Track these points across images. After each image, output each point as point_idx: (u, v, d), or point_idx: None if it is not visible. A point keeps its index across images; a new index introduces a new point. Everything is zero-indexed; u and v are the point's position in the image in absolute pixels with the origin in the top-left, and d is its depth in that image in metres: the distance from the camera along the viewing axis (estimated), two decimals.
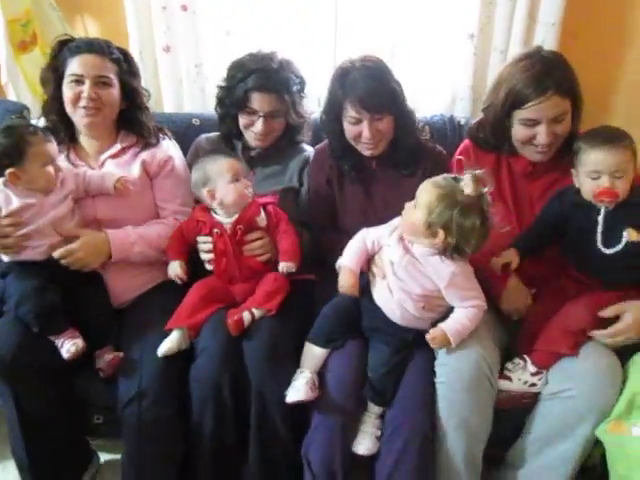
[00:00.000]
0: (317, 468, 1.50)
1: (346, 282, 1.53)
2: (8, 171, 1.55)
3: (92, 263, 1.65)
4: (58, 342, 1.56)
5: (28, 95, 2.33)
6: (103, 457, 1.86)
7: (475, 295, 1.50)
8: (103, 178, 1.71)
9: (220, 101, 1.94)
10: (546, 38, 2.16)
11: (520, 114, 1.62)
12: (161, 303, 1.69)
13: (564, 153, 1.67)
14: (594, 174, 1.49)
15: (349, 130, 1.74)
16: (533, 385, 1.53)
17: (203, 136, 2.04)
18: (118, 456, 1.65)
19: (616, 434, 1.42)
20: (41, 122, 1.85)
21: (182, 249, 1.72)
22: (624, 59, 2.26)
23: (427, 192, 1.43)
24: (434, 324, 1.54)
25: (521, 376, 1.54)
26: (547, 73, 1.57)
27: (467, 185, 1.39)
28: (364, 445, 1.54)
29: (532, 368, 1.54)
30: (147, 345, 1.59)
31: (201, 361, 1.58)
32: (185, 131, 2.13)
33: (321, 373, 1.57)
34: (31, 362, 1.55)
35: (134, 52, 2.28)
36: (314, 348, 1.59)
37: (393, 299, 1.53)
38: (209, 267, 1.74)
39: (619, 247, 1.50)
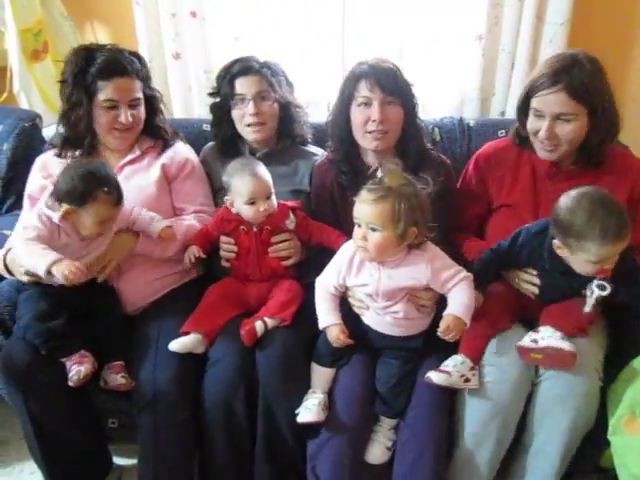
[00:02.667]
0: None
1: (338, 338, 1.49)
2: (64, 207, 1.53)
3: (119, 259, 1.67)
4: (67, 365, 1.54)
5: (40, 103, 2.36)
6: (120, 462, 1.87)
7: (457, 270, 1.47)
8: (150, 224, 1.68)
9: (213, 108, 1.96)
10: (554, 39, 2.17)
11: (532, 103, 1.63)
12: (175, 308, 1.70)
13: (590, 162, 1.65)
14: (597, 263, 1.42)
15: (358, 115, 1.69)
16: (467, 380, 1.48)
17: (209, 144, 2.05)
18: (134, 461, 1.66)
19: (630, 433, 1.42)
20: (53, 130, 1.87)
21: (203, 243, 1.73)
22: (633, 59, 2.26)
23: (377, 210, 1.39)
24: (434, 321, 1.54)
25: (460, 370, 1.48)
26: (565, 70, 1.55)
27: (391, 179, 1.40)
28: (376, 455, 1.56)
29: (469, 363, 1.50)
30: (161, 350, 1.59)
31: (215, 372, 1.58)
32: (196, 137, 2.14)
33: (329, 389, 1.57)
34: (44, 372, 1.55)
35: None
36: (320, 368, 1.58)
37: (385, 319, 1.52)
38: (226, 264, 1.75)
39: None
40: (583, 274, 1.46)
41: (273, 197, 1.69)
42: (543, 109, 1.59)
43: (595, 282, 1.45)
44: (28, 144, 2.13)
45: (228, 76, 1.86)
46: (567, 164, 1.69)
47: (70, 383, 1.51)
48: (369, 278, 1.48)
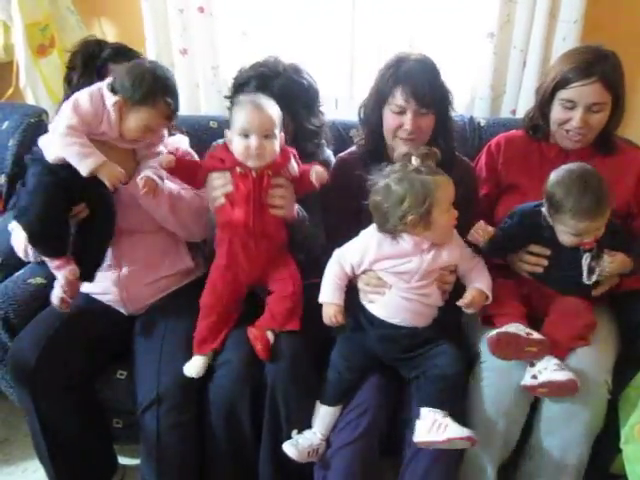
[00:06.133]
0: None
1: (333, 318, 1.48)
2: (119, 97, 1.47)
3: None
4: (55, 268, 1.49)
5: (46, 99, 2.34)
6: (124, 462, 1.85)
7: (471, 251, 1.55)
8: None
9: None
10: (567, 36, 2.13)
11: (562, 94, 1.67)
12: (178, 309, 1.67)
13: (599, 147, 1.73)
14: (577, 234, 1.49)
15: (390, 120, 1.65)
16: (529, 333, 1.46)
17: (221, 140, 2.00)
18: (138, 461, 1.65)
19: None
20: None
21: (186, 167, 1.55)
22: None
23: (449, 188, 1.44)
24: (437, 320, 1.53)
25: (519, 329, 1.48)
26: (596, 62, 1.62)
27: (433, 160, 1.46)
28: None
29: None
30: (165, 351, 1.58)
31: (221, 375, 1.55)
32: (202, 134, 2.11)
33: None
34: (52, 371, 1.54)
35: (151, 55, 2.29)
36: (325, 408, 1.53)
37: (411, 304, 1.48)
38: (220, 203, 1.53)
39: (595, 276, 1.53)
40: (567, 245, 1.52)
41: (275, 141, 1.50)
42: (577, 100, 1.64)
43: (583, 255, 1.52)
44: (34, 140, 2.09)
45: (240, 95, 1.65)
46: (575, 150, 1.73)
47: (62, 282, 1.48)
48: (414, 257, 1.46)
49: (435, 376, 1.45)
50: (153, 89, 1.48)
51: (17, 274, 1.79)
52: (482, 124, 2.14)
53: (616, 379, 1.50)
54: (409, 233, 1.44)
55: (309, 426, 1.53)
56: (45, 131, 2.12)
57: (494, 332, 1.45)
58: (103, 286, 1.67)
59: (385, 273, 1.49)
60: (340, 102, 2.47)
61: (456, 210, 1.47)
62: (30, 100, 2.34)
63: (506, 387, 1.48)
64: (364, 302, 1.54)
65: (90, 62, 1.70)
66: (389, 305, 1.50)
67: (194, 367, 1.53)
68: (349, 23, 2.34)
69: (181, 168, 1.53)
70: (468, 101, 2.35)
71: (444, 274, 1.50)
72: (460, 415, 1.46)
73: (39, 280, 1.76)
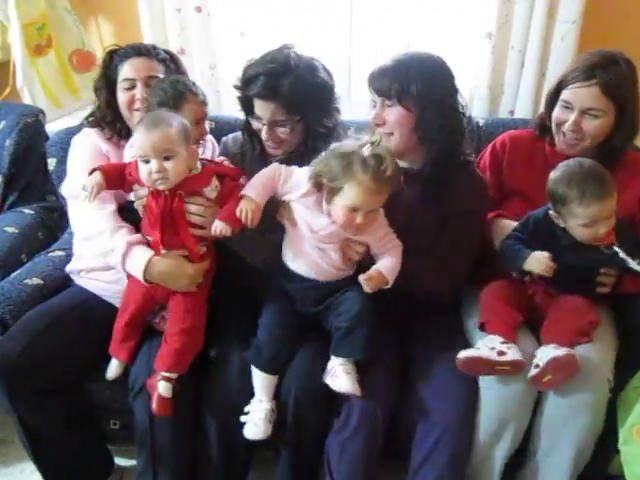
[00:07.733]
0: None
1: (248, 210, 1.39)
2: None
3: None
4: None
5: (43, 99, 2.33)
6: (121, 463, 1.85)
7: (394, 236, 1.49)
8: None
9: (239, 100, 1.78)
10: (566, 37, 2.12)
11: (562, 94, 1.65)
12: None
13: (604, 161, 1.60)
14: (590, 224, 1.47)
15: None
16: (502, 354, 1.43)
17: (230, 136, 1.91)
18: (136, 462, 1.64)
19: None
20: (56, 126, 1.85)
21: (115, 175, 1.50)
22: None
23: (372, 195, 1.38)
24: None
25: (488, 344, 1.46)
26: (601, 66, 1.58)
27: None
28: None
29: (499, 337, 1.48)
30: (155, 340, 1.56)
31: (220, 379, 1.54)
32: None
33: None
34: (35, 368, 1.51)
35: None
36: (264, 375, 1.46)
37: (314, 255, 1.46)
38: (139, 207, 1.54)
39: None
40: (586, 242, 1.50)
41: (178, 160, 1.41)
42: (573, 101, 1.61)
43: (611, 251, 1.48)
44: (31, 140, 2.12)
45: (247, 90, 1.63)
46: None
47: None
48: (325, 220, 1.43)
49: (343, 326, 1.45)
50: (177, 89, 1.61)
51: (14, 274, 1.79)
52: (481, 124, 2.13)
53: (615, 380, 1.49)
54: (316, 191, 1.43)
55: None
56: (42, 131, 2.15)
57: (461, 355, 1.45)
58: (117, 277, 1.63)
59: (301, 214, 1.45)
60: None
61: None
62: (27, 100, 2.33)
63: (508, 389, 1.47)
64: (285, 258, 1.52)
65: (105, 68, 1.78)
66: (299, 254, 1.48)
67: (111, 369, 1.58)
68: (347, 23, 2.34)
69: (110, 181, 1.49)
70: (466, 101, 2.33)
71: (352, 243, 1.45)
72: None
73: (36, 281, 1.76)
